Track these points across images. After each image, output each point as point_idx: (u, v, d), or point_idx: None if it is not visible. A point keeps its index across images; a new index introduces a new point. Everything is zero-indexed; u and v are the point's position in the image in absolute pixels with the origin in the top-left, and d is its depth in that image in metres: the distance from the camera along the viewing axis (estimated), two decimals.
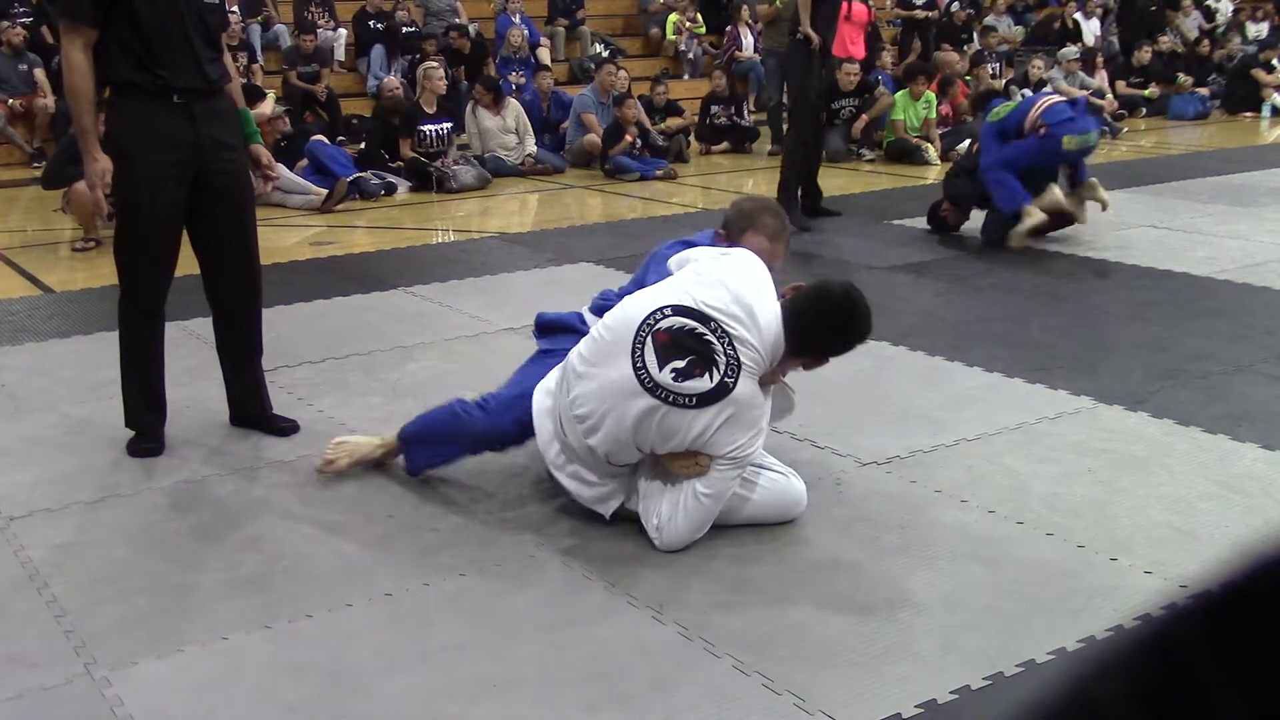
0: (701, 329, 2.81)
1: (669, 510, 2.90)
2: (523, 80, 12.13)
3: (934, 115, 10.50)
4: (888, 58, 12.63)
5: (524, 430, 3.15)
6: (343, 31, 12.66)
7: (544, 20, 13.96)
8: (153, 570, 2.86)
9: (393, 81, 10.23)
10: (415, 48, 12.26)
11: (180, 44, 3.37)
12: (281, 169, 6.69)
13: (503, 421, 3.21)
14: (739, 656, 2.44)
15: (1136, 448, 3.58)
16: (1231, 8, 17.48)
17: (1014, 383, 4.20)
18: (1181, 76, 14.01)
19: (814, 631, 2.55)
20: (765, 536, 2.99)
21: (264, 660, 2.46)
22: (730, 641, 2.50)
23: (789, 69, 7.81)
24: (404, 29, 12.65)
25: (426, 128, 9.18)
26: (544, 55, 12.96)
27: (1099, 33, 15.90)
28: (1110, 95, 13.04)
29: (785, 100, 8.44)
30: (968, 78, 11.81)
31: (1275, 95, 13.72)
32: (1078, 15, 15.81)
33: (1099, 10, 16.27)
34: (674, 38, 14.27)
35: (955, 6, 14.94)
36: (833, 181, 8.56)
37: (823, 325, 2.87)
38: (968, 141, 9.17)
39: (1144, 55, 14.00)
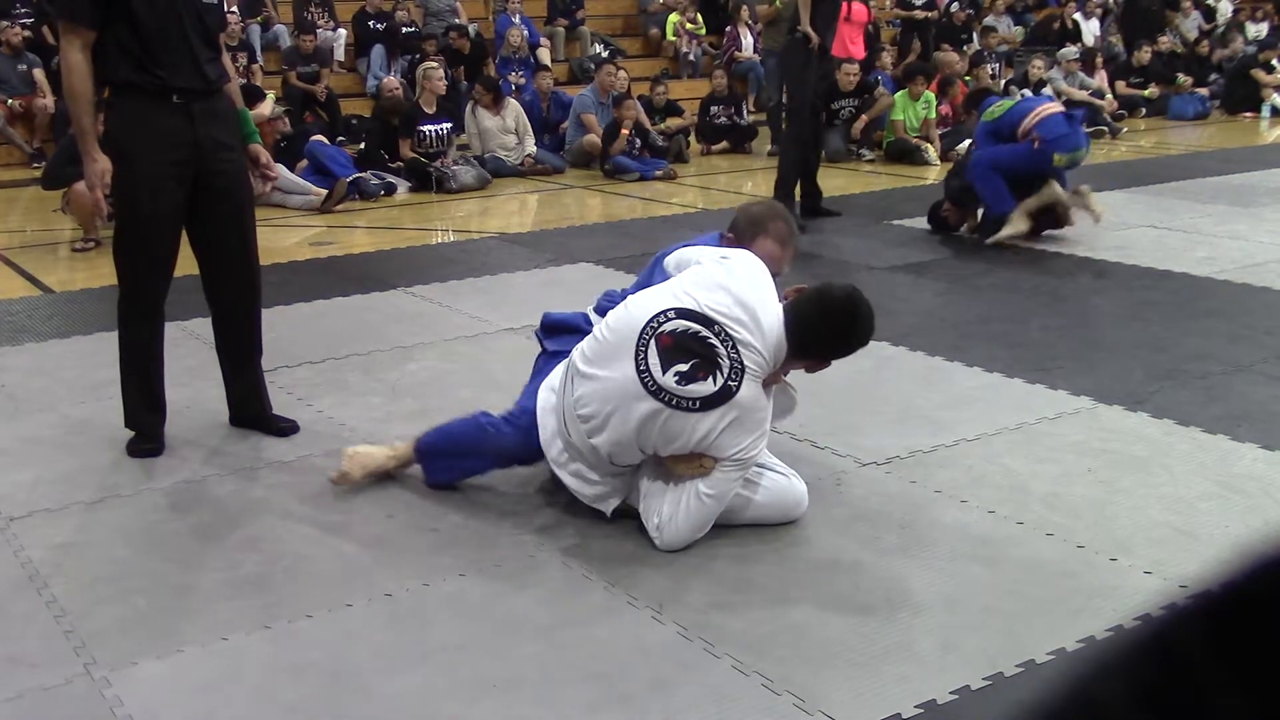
0: (705, 332, 2.80)
1: (670, 510, 2.89)
2: (522, 80, 12.13)
3: (933, 115, 10.51)
4: (887, 58, 12.64)
5: None
6: (342, 32, 12.66)
7: (544, 20, 13.96)
8: (152, 570, 2.86)
9: (392, 82, 10.23)
10: (415, 48, 12.26)
11: (179, 44, 3.37)
12: (281, 169, 6.71)
13: (536, 438, 3.11)
14: (739, 657, 2.44)
15: (1136, 448, 3.58)
16: (1231, 8, 17.47)
17: (1014, 383, 4.20)
18: (1181, 77, 14.02)
19: (814, 631, 2.55)
20: (765, 536, 2.99)
21: (264, 660, 2.46)
22: (730, 642, 2.50)
23: (786, 67, 7.80)
24: (404, 29, 12.65)
25: (426, 128, 9.17)
26: (544, 55, 12.96)
27: (1098, 33, 15.91)
28: (1110, 95, 13.05)
29: (785, 100, 8.44)
30: (967, 78, 11.81)
31: (1275, 95, 13.73)
32: (1077, 15, 15.83)
33: (1099, 10, 16.28)
34: (674, 39, 14.28)
35: (955, 7, 14.94)
36: (832, 182, 8.55)
37: (825, 328, 2.87)
38: (968, 141, 9.15)
39: (1144, 55, 14.00)
